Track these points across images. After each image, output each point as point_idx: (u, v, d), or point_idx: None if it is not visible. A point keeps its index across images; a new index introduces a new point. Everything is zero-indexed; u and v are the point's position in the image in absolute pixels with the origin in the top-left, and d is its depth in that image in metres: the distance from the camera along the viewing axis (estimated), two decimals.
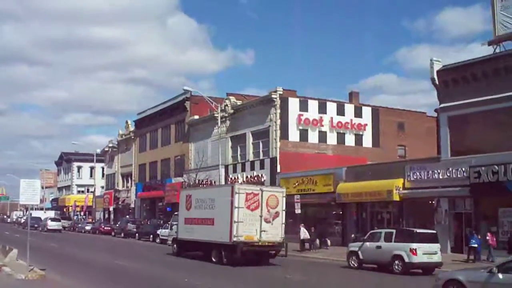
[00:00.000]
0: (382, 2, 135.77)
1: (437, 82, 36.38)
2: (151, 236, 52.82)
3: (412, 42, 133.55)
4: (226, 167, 55.77)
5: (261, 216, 29.27)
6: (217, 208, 30.58)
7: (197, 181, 56.42)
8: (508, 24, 33.61)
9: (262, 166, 52.02)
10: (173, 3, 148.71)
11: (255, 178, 51.66)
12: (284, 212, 30.37)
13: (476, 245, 30.47)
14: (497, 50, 34.30)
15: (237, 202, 28.82)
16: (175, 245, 36.11)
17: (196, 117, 63.62)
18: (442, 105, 36.30)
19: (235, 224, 28.60)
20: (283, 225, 30.31)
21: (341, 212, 43.57)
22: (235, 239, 28.52)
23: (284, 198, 30.77)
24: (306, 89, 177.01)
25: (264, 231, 29.21)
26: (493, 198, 32.84)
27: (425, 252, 25.77)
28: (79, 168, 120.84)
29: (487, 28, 34.82)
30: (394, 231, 28.03)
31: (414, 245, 25.53)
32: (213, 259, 30.06)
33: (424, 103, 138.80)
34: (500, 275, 15.31)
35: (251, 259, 27.93)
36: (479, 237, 30.93)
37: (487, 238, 30.56)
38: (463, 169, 33.66)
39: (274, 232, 29.70)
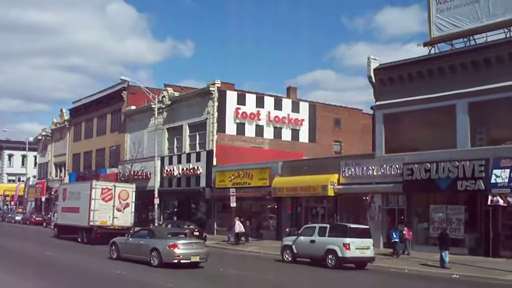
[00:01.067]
0: None
1: (373, 80, 36.99)
2: None
3: (351, 40, 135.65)
4: (162, 158, 55.33)
5: (113, 206, 37.81)
6: (81, 200, 38.79)
7: (132, 172, 55.81)
8: (443, 27, 34.42)
9: (198, 159, 51.83)
10: None
11: (191, 171, 51.48)
12: (133, 204, 39.08)
13: (397, 240, 31.25)
14: (432, 51, 35.06)
15: (94, 195, 37.28)
16: (55, 229, 44.03)
17: (133, 107, 62.89)
18: (378, 103, 36.95)
19: (92, 212, 36.96)
20: (132, 213, 38.95)
21: (276, 206, 43.81)
22: (91, 223, 36.93)
23: (134, 193, 39.35)
24: (245, 82, 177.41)
25: (116, 217, 37.72)
26: (425, 195, 33.76)
27: (358, 247, 26.10)
28: (10, 156, 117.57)
29: (424, 29, 35.57)
30: (328, 225, 28.30)
31: (347, 240, 25.83)
32: (79, 239, 38.07)
33: (361, 100, 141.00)
34: None
35: (106, 239, 31.26)
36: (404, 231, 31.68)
37: (404, 232, 31.39)
38: (397, 166, 34.39)
39: (124, 219, 38.13)
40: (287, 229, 37.98)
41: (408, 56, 35.83)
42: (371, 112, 39.28)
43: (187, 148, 53.97)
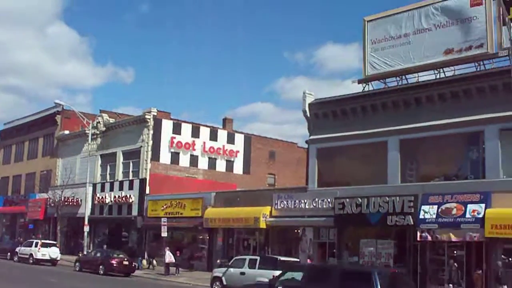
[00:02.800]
0: (267, 32, 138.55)
1: (308, 115, 37.46)
2: (9, 254, 50.27)
3: (292, 74, 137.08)
4: (94, 185, 54.39)
5: None
6: None
7: (62, 198, 54.66)
8: (377, 65, 35.24)
9: (131, 187, 51.17)
10: (54, 12, 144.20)
11: (123, 199, 50.75)
12: None
13: None
14: (367, 89, 35.83)
15: None
16: None
17: (67, 132, 61.76)
18: (311, 137, 37.41)
19: None
20: None
21: (208, 237, 43.55)
22: None
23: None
24: (183, 112, 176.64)
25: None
26: (356, 229, 34.07)
27: None
28: None
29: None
30: (258, 258, 28.37)
31: (277, 273, 25.82)
32: None
33: (299, 133, 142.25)
34: None
35: None
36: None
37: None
38: (329, 200, 34.74)
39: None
40: (218, 261, 37.84)
41: (346, 91, 36.73)
42: (306, 145, 39.72)
43: (120, 176, 53.25)
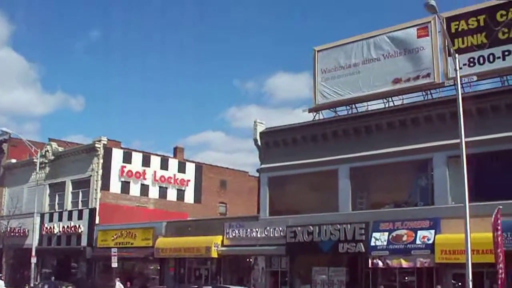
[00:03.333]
0: (217, 60, 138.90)
1: (259, 143, 37.61)
2: None
3: (243, 102, 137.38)
4: (42, 215, 53.24)
5: None
6: None
7: (8, 228, 53.30)
8: (327, 94, 35.75)
9: (80, 217, 50.27)
10: (1, 38, 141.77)
11: (72, 229, 49.81)
12: None
13: None
14: (317, 117, 36.22)
15: None
16: None
17: (14, 160, 60.44)
18: (263, 166, 37.51)
19: None
20: None
21: (159, 267, 43.03)
22: None
23: None
24: (134, 141, 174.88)
25: None
26: (308, 257, 34.10)
27: None
28: None
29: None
30: (210, 287, 28.13)
31: None
32: None
33: (250, 162, 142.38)
34: None
35: None
36: None
37: None
38: (280, 228, 34.79)
39: None
40: None
41: (297, 120, 36.88)
42: (257, 174, 39.80)
43: (69, 205, 52.29)
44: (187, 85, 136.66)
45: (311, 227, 33.00)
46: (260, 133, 37.64)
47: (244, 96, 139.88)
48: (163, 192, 54.85)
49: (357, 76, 34.65)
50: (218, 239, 37.90)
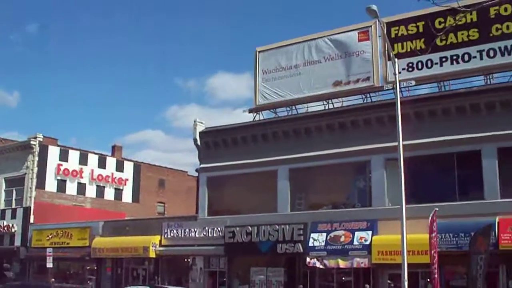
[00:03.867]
0: (157, 58, 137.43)
1: (199, 143, 37.43)
2: None
3: (184, 101, 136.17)
4: None
5: None
6: None
7: None
8: (268, 95, 35.90)
9: (14, 216, 48.93)
10: None
11: (5, 228, 48.47)
12: None
13: None
14: (257, 118, 36.33)
15: None
16: None
17: None
18: (202, 166, 37.37)
19: None
20: None
21: (96, 267, 42.33)
22: None
23: None
24: (71, 138, 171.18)
25: None
26: (246, 258, 34.18)
27: None
28: None
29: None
30: None
31: None
32: None
33: (190, 161, 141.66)
34: None
35: None
36: None
37: None
38: (219, 228, 34.73)
39: None
40: None
41: (238, 120, 36.91)
42: (197, 174, 39.61)
43: (2, 204, 50.79)
44: (127, 83, 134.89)
45: (249, 227, 33.06)
46: (200, 132, 37.48)
47: (185, 95, 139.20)
48: (100, 191, 54.03)
49: (298, 78, 34.93)
50: (156, 239, 37.55)
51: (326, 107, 34.16)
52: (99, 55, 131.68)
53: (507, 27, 29.18)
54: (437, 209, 24.47)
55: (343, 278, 30.75)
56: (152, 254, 37.20)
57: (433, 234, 24.03)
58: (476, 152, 28.24)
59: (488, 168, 27.90)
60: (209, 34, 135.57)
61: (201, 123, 37.92)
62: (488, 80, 30.16)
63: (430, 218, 24.05)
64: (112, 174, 55.02)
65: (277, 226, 32.13)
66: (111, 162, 55.69)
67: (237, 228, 33.59)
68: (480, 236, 24.22)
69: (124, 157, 59.11)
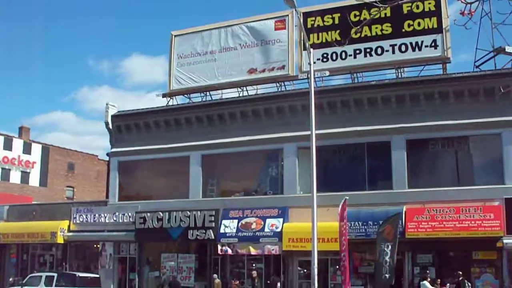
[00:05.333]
0: (70, 38, 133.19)
1: (110, 127, 36.72)
2: None
3: (96, 83, 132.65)
4: None
5: None
6: None
7: None
8: (182, 80, 35.60)
9: None
10: None
11: None
12: None
13: None
14: (171, 103, 35.99)
15: None
16: None
17: None
18: (113, 150, 36.68)
19: None
20: None
21: None
22: None
23: None
24: None
25: None
26: (157, 244, 33.95)
27: None
28: None
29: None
30: (55, 274, 27.26)
31: None
32: None
33: (102, 145, 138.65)
34: None
35: None
36: None
37: None
38: (130, 214, 34.27)
39: None
40: (11, 279, 35.72)
41: (152, 104, 36.47)
42: (108, 158, 38.90)
43: None
44: (36, 62, 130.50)
45: (161, 213, 32.79)
46: (112, 116, 36.73)
47: (98, 77, 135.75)
48: (5, 174, 52.23)
49: (213, 64, 34.80)
50: (64, 224, 36.63)
51: (241, 95, 34.21)
52: (13, 30, 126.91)
53: (418, 24, 30.18)
54: (347, 197, 25.09)
55: (254, 265, 30.99)
56: (60, 240, 36.27)
57: (343, 222, 24.61)
58: (386, 143, 29.07)
59: (397, 159, 28.78)
60: (125, 15, 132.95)
61: (113, 106, 37.20)
62: (400, 74, 31.03)
63: (340, 206, 24.64)
64: (19, 156, 53.27)
65: (188, 212, 32.02)
66: (17, 144, 53.86)
67: (148, 214, 33.24)
68: (388, 225, 25.00)
69: (32, 139, 57.36)
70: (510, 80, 27.45)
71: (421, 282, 24.93)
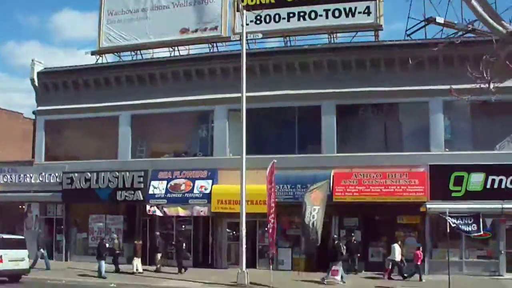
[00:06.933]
0: None
1: (36, 84, 35.60)
2: None
3: (24, 38, 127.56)
4: None
5: None
6: None
7: None
8: (113, 38, 34.72)
9: None
10: None
11: None
12: None
13: None
14: (100, 61, 35.14)
15: None
16: None
17: None
18: (39, 108, 35.70)
19: None
20: None
21: None
22: None
23: None
24: None
25: None
26: (85, 205, 33.47)
27: (11, 259, 24.65)
28: None
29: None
30: None
31: (0, 252, 24.33)
32: None
33: (29, 103, 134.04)
34: None
35: None
36: None
37: None
38: (57, 174, 33.60)
39: None
40: None
41: (81, 62, 35.36)
42: (34, 117, 37.80)
43: None
44: None
45: (89, 173, 32.28)
46: (38, 73, 35.58)
47: (26, 31, 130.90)
48: None
49: (145, 22, 34.06)
50: None
51: (172, 54, 33.71)
52: None
53: None
54: (275, 160, 25.22)
55: (183, 226, 31.07)
56: None
57: (271, 185, 24.78)
58: (316, 108, 29.35)
59: (327, 124, 29.16)
60: None
61: (40, 62, 36.09)
62: (332, 40, 31.18)
63: (268, 169, 24.74)
64: None
65: (117, 173, 31.65)
66: None
67: (76, 174, 32.65)
68: (316, 189, 25.32)
69: None
70: (437, 49, 27.79)
71: (392, 245, 25.95)
